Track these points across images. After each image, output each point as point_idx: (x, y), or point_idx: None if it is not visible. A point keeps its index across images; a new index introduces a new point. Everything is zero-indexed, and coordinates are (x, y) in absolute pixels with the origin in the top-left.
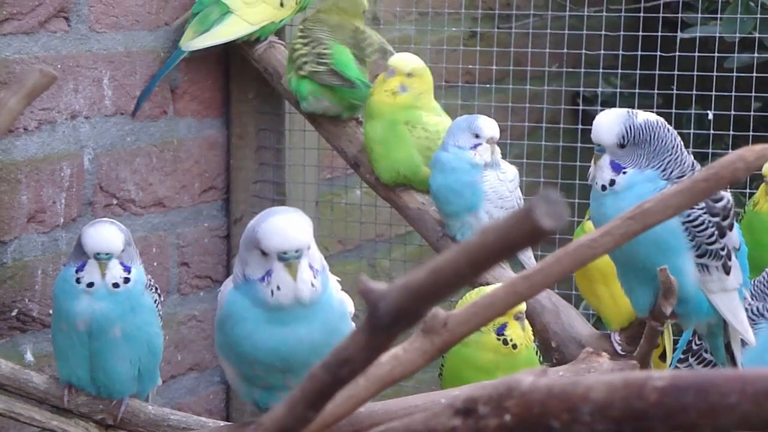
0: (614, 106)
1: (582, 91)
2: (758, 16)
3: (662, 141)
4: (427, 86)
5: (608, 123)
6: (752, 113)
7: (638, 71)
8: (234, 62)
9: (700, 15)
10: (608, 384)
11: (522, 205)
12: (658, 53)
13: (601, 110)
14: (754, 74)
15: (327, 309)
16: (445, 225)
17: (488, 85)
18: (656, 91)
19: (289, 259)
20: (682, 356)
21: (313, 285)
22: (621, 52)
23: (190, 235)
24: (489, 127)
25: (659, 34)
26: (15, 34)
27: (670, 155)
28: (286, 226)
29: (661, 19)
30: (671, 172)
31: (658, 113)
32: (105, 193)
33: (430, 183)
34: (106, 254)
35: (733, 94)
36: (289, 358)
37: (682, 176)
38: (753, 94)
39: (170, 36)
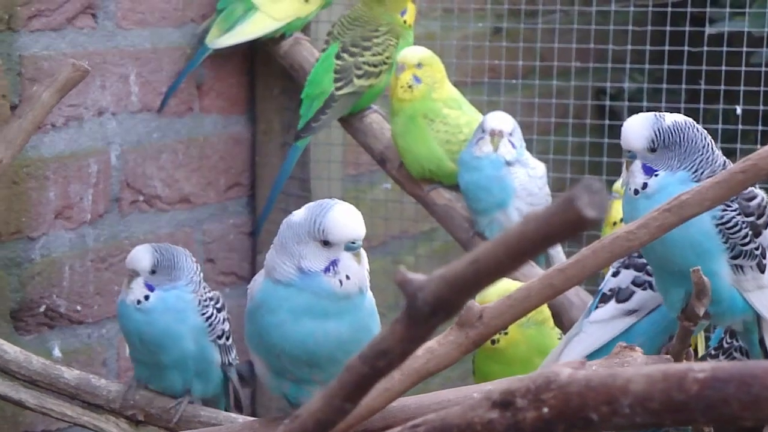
0: (641, 101)
1: (608, 86)
2: None
3: (692, 141)
4: (440, 74)
5: (637, 128)
6: None
7: (665, 66)
8: (259, 59)
9: (727, 10)
10: (648, 376)
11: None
12: (686, 48)
13: (628, 106)
14: None
15: (358, 305)
16: (474, 222)
17: (514, 81)
18: (683, 87)
19: (357, 248)
20: (713, 352)
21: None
22: (648, 47)
23: (215, 232)
24: (491, 119)
25: (686, 29)
26: (43, 31)
27: (701, 155)
28: (350, 216)
29: (688, 14)
30: (703, 173)
31: (685, 109)
32: (131, 189)
33: (458, 181)
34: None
35: (762, 89)
36: (315, 351)
37: (713, 175)
38: None
39: (196, 32)
